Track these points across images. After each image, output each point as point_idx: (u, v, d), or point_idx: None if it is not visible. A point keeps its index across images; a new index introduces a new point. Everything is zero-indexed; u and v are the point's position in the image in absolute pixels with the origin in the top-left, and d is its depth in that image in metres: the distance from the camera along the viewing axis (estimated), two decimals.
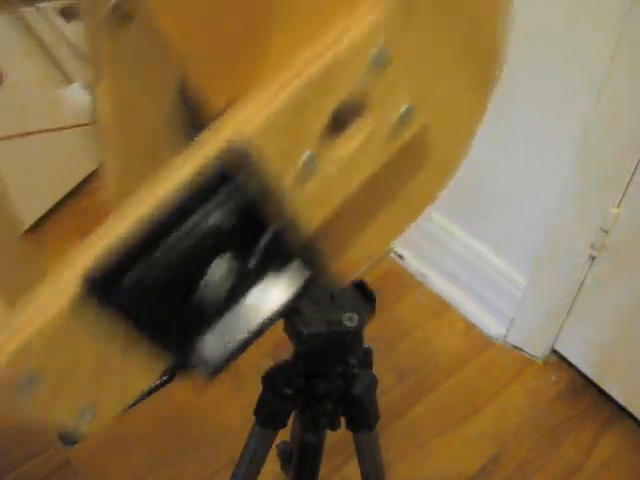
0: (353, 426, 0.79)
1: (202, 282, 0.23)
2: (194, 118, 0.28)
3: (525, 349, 1.49)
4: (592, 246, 1.27)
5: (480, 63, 0.33)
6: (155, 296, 0.22)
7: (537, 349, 1.47)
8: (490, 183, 1.40)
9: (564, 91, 1.19)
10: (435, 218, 1.55)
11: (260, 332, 0.27)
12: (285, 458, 0.98)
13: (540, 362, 1.47)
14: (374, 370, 0.76)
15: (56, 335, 0.21)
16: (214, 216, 0.23)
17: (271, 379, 0.74)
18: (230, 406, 1.33)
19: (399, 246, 1.64)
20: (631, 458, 1.34)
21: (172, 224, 0.22)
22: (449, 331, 1.53)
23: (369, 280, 0.67)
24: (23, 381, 0.21)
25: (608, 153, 1.16)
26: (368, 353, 0.75)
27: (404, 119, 0.29)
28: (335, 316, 0.65)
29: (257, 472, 0.86)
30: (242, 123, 0.24)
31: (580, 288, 1.35)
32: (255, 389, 0.77)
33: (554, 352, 1.48)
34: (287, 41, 0.27)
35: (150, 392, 0.42)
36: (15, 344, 0.20)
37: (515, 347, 1.50)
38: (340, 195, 0.28)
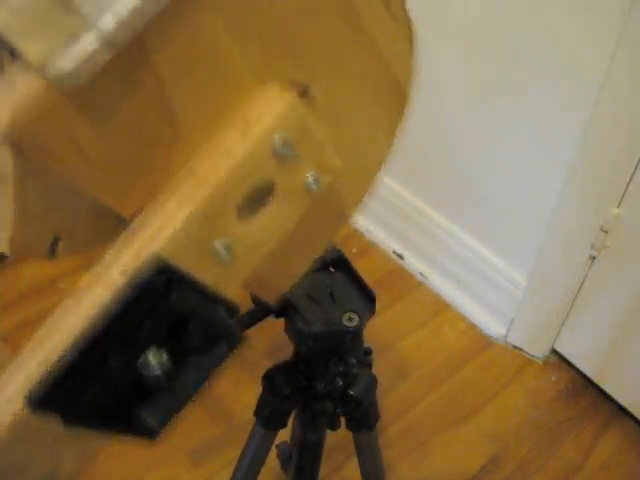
0: (353, 426, 0.79)
1: (139, 367, 0.25)
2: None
3: (525, 349, 1.49)
4: (592, 246, 1.27)
5: (388, 108, 0.34)
6: (94, 397, 0.24)
7: (537, 349, 1.47)
8: (490, 183, 1.40)
9: (564, 91, 1.19)
10: (435, 218, 1.55)
11: (194, 396, 0.31)
12: (285, 458, 0.98)
13: (540, 362, 1.47)
14: (374, 370, 0.76)
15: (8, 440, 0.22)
16: (143, 326, 0.24)
17: (271, 379, 0.74)
18: (230, 406, 1.33)
19: (399, 246, 1.64)
20: (631, 458, 1.34)
21: (102, 342, 0.23)
22: (449, 331, 1.53)
23: (369, 280, 0.67)
24: None
25: (608, 153, 1.16)
26: (368, 353, 0.75)
27: (311, 185, 0.31)
28: (335, 316, 0.65)
29: (257, 472, 0.86)
30: (152, 239, 0.25)
31: (580, 288, 1.35)
32: (255, 389, 0.77)
33: (554, 352, 1.48)
34: (190, 143, 0.27)
35: None
36: None
37: (515, 347, 1.50)
38: (258, 258, 0.30)
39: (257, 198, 0.28)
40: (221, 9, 0.24)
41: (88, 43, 0.21)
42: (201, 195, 0.25)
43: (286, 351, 0.73)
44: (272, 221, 0.29)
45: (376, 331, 1.47)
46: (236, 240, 0.27)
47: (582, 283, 1.34)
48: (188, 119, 0.26)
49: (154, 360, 0.25)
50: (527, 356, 1.48)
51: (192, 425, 1.31)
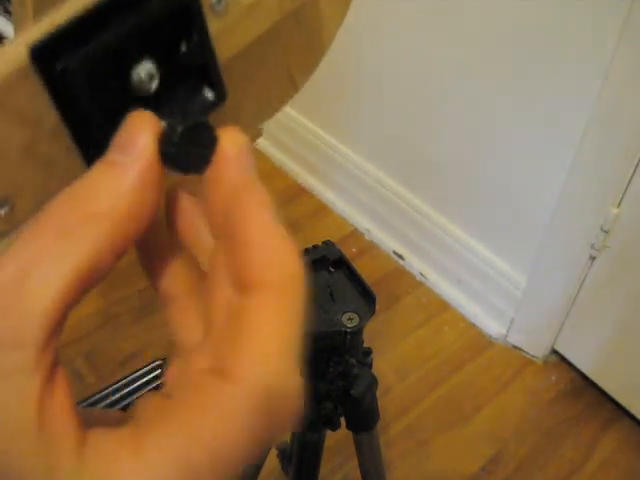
0: (353, 426, 0.79)
1: (132, 77, 0.24)
2: None
3: (525, 349, 1.49)
4: (592, 246, 1.27)
5: None
6: (91, 81, 0.23)
7: (537, 349, 1.47)
8: (490, 183, 1.40)
9: (564, 91, 1.19)
10: (435, 218, 1.55)
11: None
12: (285, 458, 0.98)
13: (540, 362, 1.47)
14: (374, 370, 0.76)
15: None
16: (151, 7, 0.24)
17: None
18: None
19: (399, 246, 1.64)
20: (631, 458, 1.34)
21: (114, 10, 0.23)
22: (449, 331, 1.53)
23: (369, 280, 0.67)
24: None
25: (608, 153, 1.16)
26: (368, 353, 0.75)
27: None
28: (335, 316, 0.65)
29: (257, 472, 0.86)
30: None
31: (580, 288, 1.35)
32: None
33: (554, 352, 1.48)
34: None
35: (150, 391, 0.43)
36: None
37: (515, 347, 1.50)
38: (243, 40, 0.28)
39: None
40: None
41: None
42: None
43: None
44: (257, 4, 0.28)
45: (376, 331, 1.48)
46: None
47: (582, 283, 1.34)
48: None
49: (144, 71, 0.24)
50: (527, 356, 1.48)
51: None
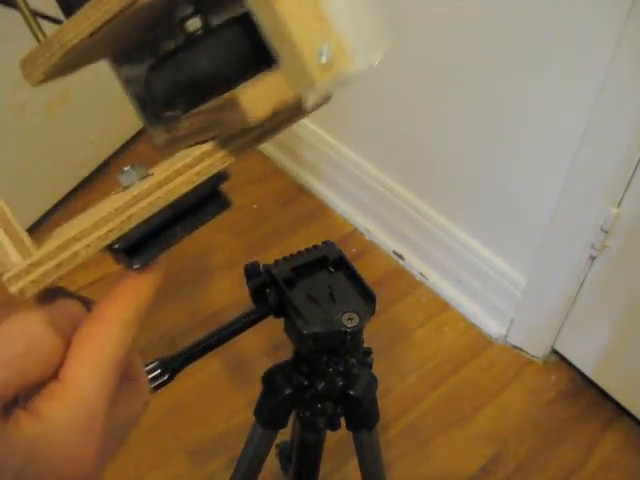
0: (353, 426, 0.79)
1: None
2: None
3: (525, 349, 1.49)
4: (592, 246, 1.27)
5: None
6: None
7: (537, 349, 1.47)
8: (490, 183, 1.40)
9: (564, 91, 1.19)
10: (435, 218, 1.55)
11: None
12: (285, 458, 0.98)
13: (540, 362, 1.47)
14: (374, 370, 0.76)
15: None
16: None
17: (271, 379, 0.74)
18: (230, 406, 1.33)
19: (399, 246, 1.64)
20: (631, 458, 1.34)
21: None
22: (449, 331, 1.53)
23: (369, 280, 0.67)
24: None
25: (608, 153, 1.16)
26: (368, 353, 0.75)
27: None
28: (335, 316, 0.65)
29: (257, 472, 0.86)
30: None
31: (580, 288, 1.35)
32: (255, 389, 0.77)
33: (554, 352, 1.48)
34: None
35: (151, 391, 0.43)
36: None
37: (515, 347, 1.50)
38: None
39: None
40: None
41: None
42: None
43: (286, 351, 0.73)
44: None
45: (376, 331, 1.48)
46: None
47: (582, 283, 1.34)
48: None
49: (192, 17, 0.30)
50: (527, 356, 1.48)
51: (192, 425, 1.32)
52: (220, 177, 0.31)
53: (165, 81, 0.31)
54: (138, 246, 0.30)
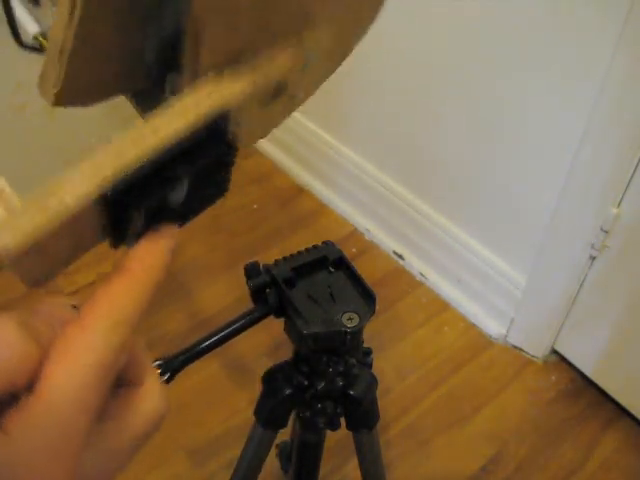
0: (353, 426, 0.79)
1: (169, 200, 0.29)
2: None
3: (525, 349, 1.49)
4: (592, 246, 1.27)
5: None
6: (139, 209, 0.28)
7: (537, 349, 1.47)
8: (490, 183, 1.40)
9: (564, 91, 1.19)
10: (435, 218, 1.55)
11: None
12: (285, 458, 0.98)
13: (540, 362, 1.47)
14: (374, 370, 0.76)
15: None
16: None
17: (271, 379, 0.74)
18: (230, 406, 1.33)
19: (399, 246, 1.64)
20: (631, 458, 1.34)
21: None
22: (449, 331, 1.53)
23: (369, 280, 0.67)
24: None
25: (608, 153, 1.16)
26: (368, 353, 0.75)
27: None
28: (335, 316, 0.65)
29: (257, 472, 0.86)
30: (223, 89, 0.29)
31: (580, 288, 1.35)
32: (255, 389, 0.77)
33: (554, 352, 1.48)
34: None
35: None
36: None
37: (515, 347, 1.50)
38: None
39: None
40: None
41: None
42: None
43: (286, 351, 0.73)
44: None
45: (376, 331, 1.48)
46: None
47: (582, 283, 1.34)
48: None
49: (180, 191, 0.29)
50: (527, 356, 1.48)
51: (192, 425, 1.32)
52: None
53: None
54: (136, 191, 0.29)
